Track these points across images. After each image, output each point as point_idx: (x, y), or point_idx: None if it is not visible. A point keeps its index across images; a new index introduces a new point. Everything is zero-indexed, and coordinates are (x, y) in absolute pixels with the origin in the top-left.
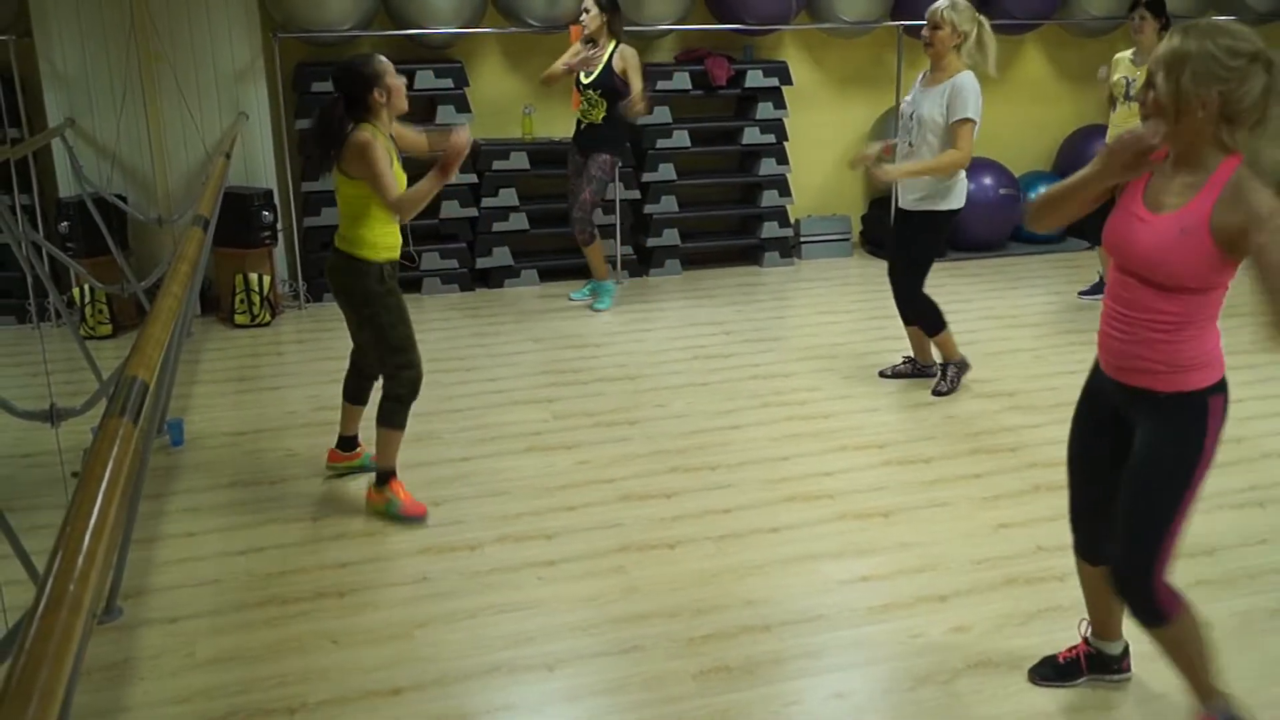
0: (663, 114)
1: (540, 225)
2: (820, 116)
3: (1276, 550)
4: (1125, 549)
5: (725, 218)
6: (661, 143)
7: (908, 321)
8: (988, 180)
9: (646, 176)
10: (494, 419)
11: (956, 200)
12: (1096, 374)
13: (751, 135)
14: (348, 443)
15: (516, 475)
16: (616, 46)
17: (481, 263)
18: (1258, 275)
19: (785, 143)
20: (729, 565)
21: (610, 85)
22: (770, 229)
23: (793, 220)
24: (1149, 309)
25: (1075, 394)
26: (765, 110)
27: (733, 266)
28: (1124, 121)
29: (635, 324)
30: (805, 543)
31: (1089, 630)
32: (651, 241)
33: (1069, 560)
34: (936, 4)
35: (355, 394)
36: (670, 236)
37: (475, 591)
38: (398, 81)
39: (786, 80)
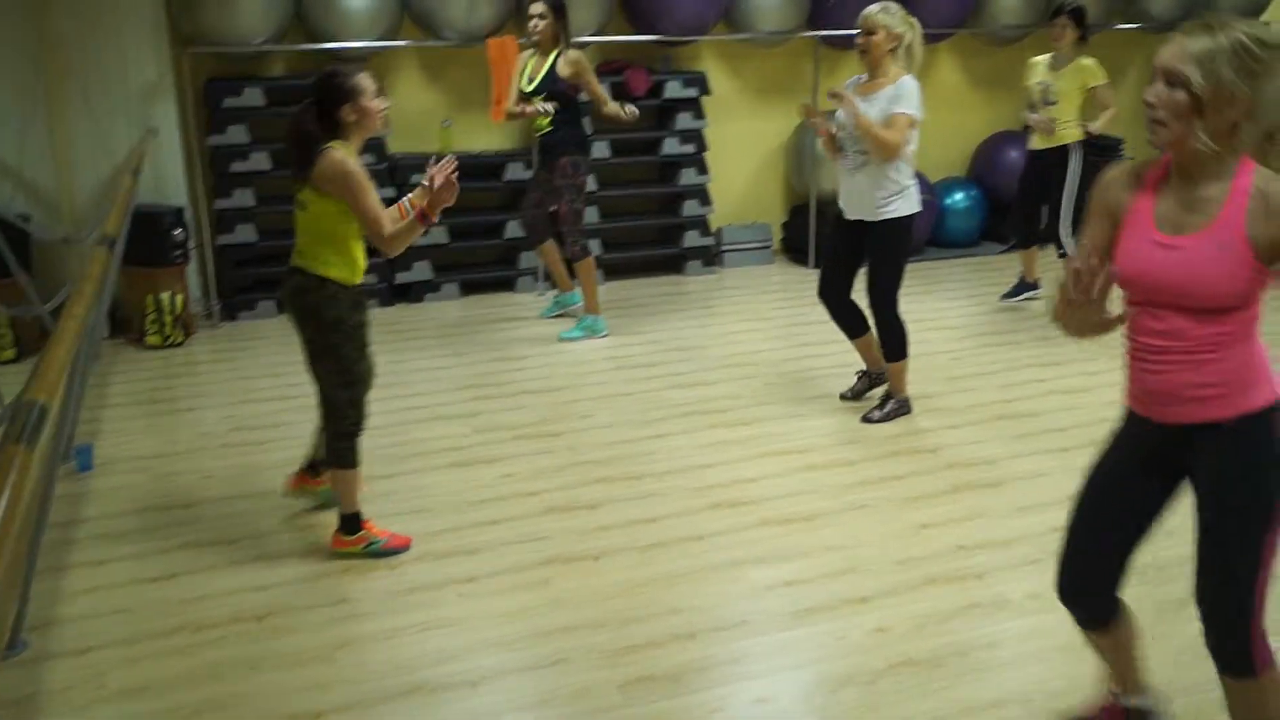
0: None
1: (461, 239)
2: (739, 126)
3: (1183, 542)
4: (1223, 599)
5: (647, 228)
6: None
7: (853, 335)
8: None
9: None
10: (415, 435)
11: (915, 204)
12: (1132, 421)
13: (671, 145)
14: (316, 468)
15: (438, 491)
16: (561, 52)
17: (401, 277)
18: None
19: (705, 152)
20: (654, 575)
21: (555, 91)
22: (692, 238)
23: (714, 229)
24: (1190, 337)
25: (993, 394)
26: (685, 120)
27: (655, 276)
28: (1039, 131)
29: (558, 335)
30: (730, 549)
31: (1116, 688)
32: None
33: (988, 558)
34: (869, 9)
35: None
36: (592, 248)
37: (397, 611)
38: (376, 104)
39: (705, 90)
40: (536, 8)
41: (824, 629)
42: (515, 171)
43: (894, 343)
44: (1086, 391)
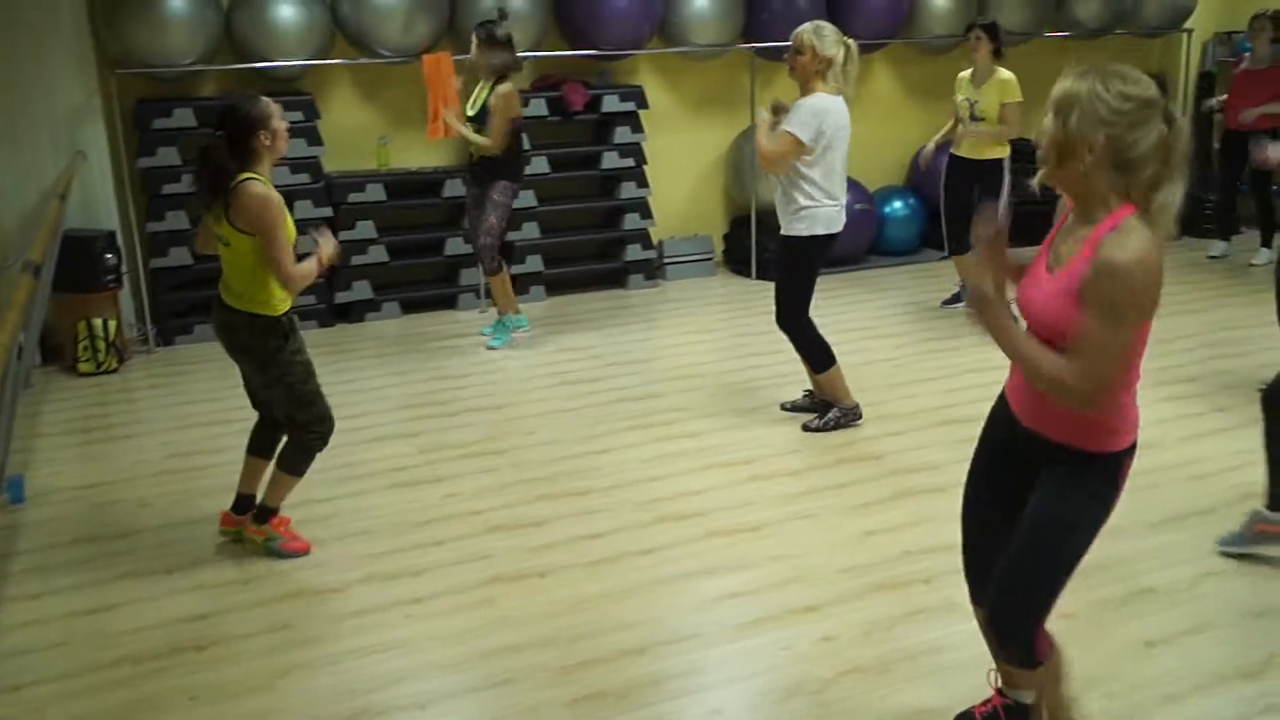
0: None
1: (400, 257)
2: (678, 139)
3: (1127, 540)
4: (1013, 594)
5: (588, 242)
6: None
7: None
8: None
9: None
10: (357, 457)
11: (820, 227)
12: (1002, 404)
13: (610, 159)
14: (247, 503)
15: (382, 513)
16: (498, 82)
17: (340, 297)
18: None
19: (644, 166)
20: (601, 590)
21: (486, 119)
22: (633, 252)
23: (655, 242)
24: None
25: (935, 400)
26: (623, 134)
27: (597, 291)
28: (967, 140)
29: (501, 352)
30: (677, 562)
31: (999, 681)
32: (515, 269)
33: (934, 563)
34: (801, 27)
35: (262, 446)
36: (533, 263)
37: (341, 635)
38: (284, 125)
39: (643, 104)
40: (477, 36)
41: (772, 639)
42: (454, 188)
43: (813, 355)
44: None
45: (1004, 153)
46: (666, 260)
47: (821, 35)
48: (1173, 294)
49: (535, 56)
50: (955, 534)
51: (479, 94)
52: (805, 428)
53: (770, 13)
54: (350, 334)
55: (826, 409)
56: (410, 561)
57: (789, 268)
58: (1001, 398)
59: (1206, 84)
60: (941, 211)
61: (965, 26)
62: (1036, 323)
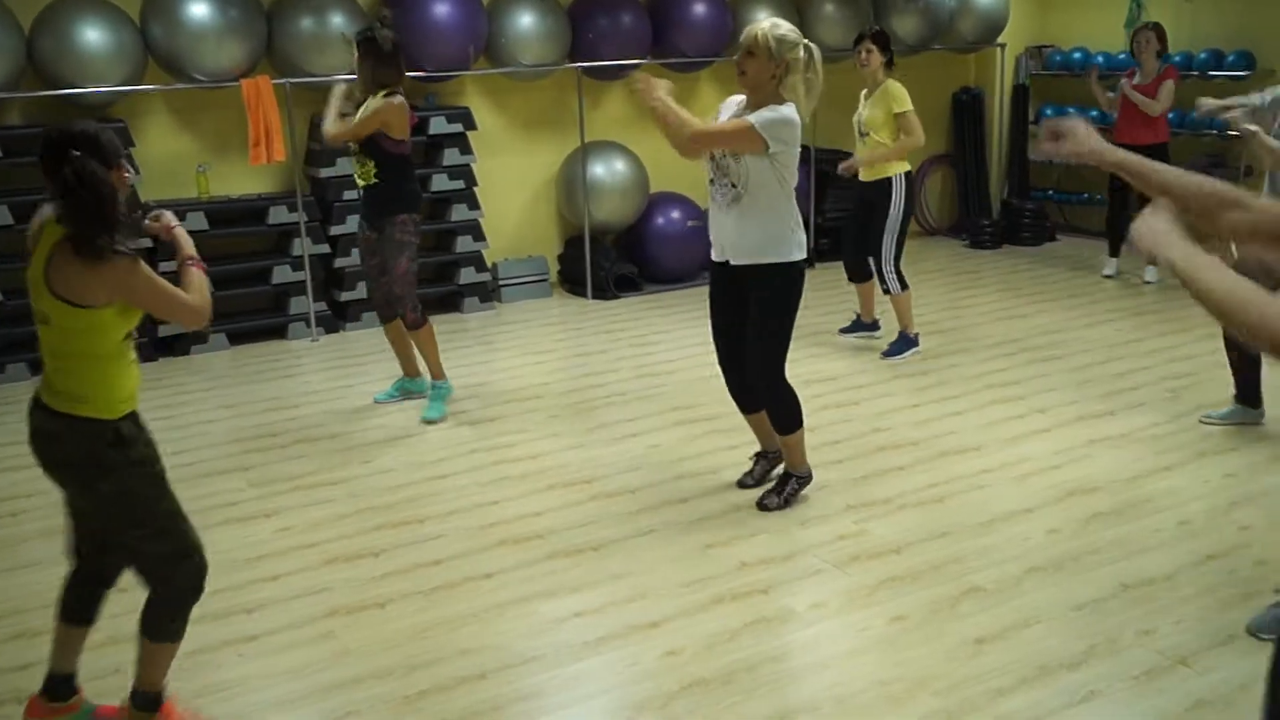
0: (346, 164)
1: (225, 287)
2: (508, 160)
3: (956, 541)
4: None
5: (421, 266)
6: (348, 194)
7: (749, 409)
8: (676, 214)
9: (335, 229)
10: (186, 494)
11: (800, 249)
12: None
13: (440, 182)
14: (63, 686)
15: (213, 549)
16: (386, 97)
17: (163, 330)
18: None
19: (475, 188)
20: (442, 617)
21: (370, 140)
22: (468, 274)
23: (490, 264)
24: None
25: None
26: (452, 156)
27: (432, 314)
28: (862, 155)
29: (335, 380)
30: (518, 585)
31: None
32: (345, 295)
33: (772, 573)
34: (753, 26)
35: (82, 609)
36: (364, 289)
37: (172, 679)
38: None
39: (471, 125)
40: (356, 50)
41: (616, 657)
42: (279, 215)
43: (793, 414)
44: (856, 405)
45: (899, 169)
46: (502, 282)
47: (780, 36)
48: (993, 302)
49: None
50: (792, 544)
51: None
52: (762, 506)
53: (596, 32)
54: (175, 368)
55: (770, 466)
56: (243, 599)
57: (785, 305)
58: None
59: (1021, 96)
60: (845, 240)
61: (855, 37)
62: None
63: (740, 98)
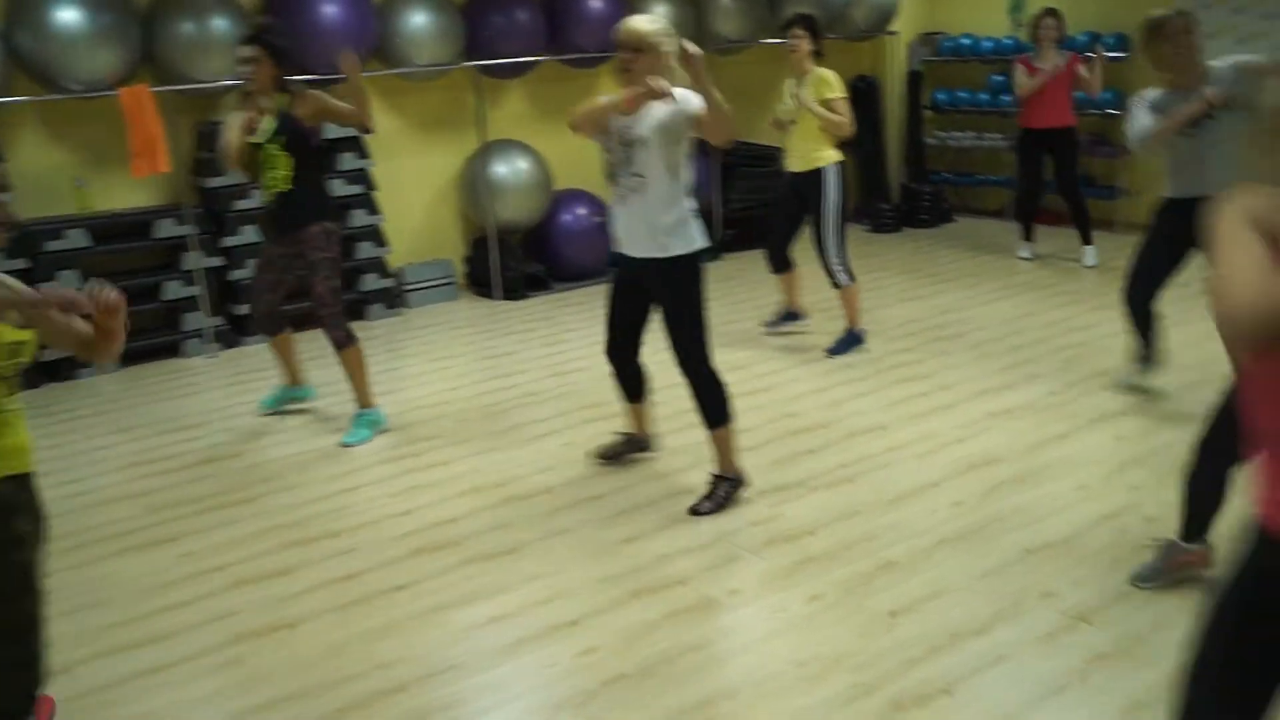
0: (237, 173)
1: None
2: (407, 162)
3: (867, 519)
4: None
5: None
6: (241, 203)
7: (633, 398)
8: (581, 210)
9: (228, 240)
10: (78, 524)
11: (703, 236)
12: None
13: (337, 187)
14: None
15: (113, 581)
16: (294, 94)
17: (47, 354)
18: None
19: (374, 192)
20: (357, 632)
21: (297, 133)
22: (371, 281)
23: (394, 270)
24: None
25: (684, 403)
26: (348, 160)
27: None
28: (792, 146)
29: (236, 397)
30: (434, 594)
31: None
32: (241, 309)
33: (689, 562)
34: (629, 23)
35: None
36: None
37: (72, 717)
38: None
39: (366, 129)
40: (247, 50)
41: (534, 659)
42: (166, 228)
43: (721, 405)
44: (767, 391)
45: (831, 159)
46: (407, 287)
47: (657, 27)
48: (896, 284)
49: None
50: (708, 533)
51: (268, 119)
52: (695, 511)
53: (491, 30)
54: (60, 394)
55: (635, 445)
56: (146, 630)
57: (694, 292)
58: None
59: (915, 82)
60: (771, 231)
61: (784, 24)
62: None
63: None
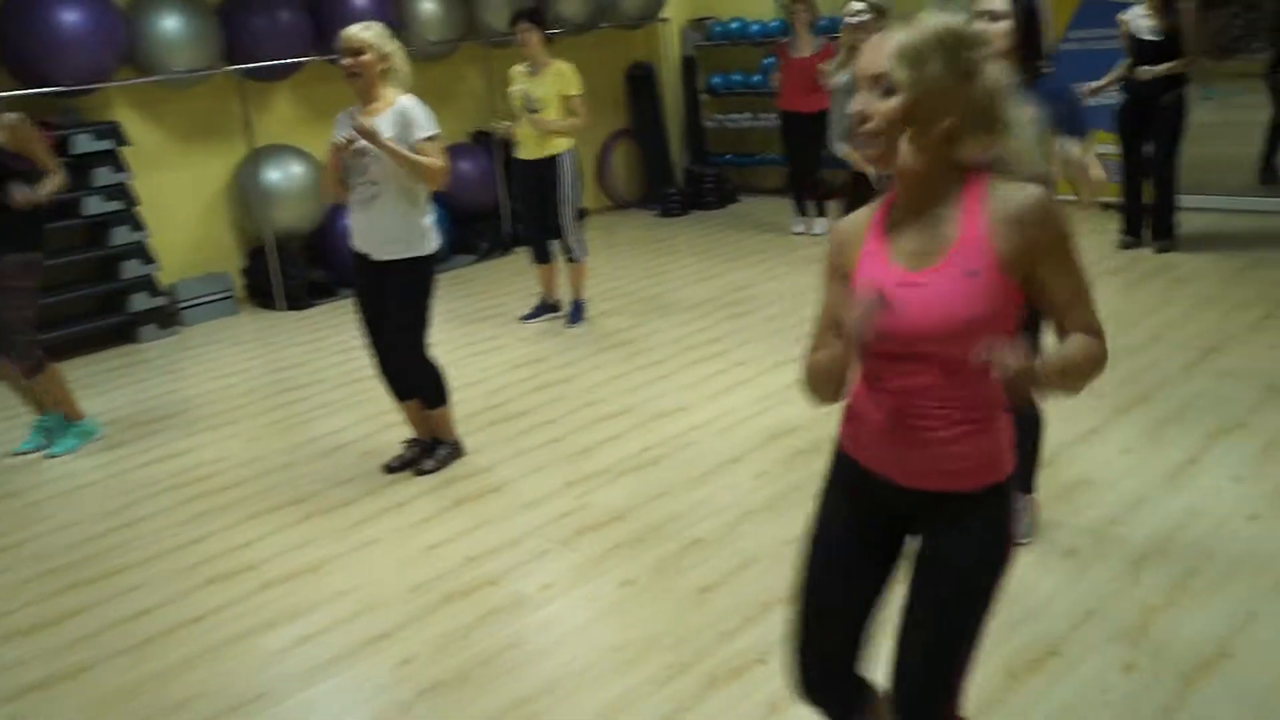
0: None
1: None
2: (173, 174)
3: (674, 499)
4: (925, 679)
5: (85, 299)
6: None
7: (403, 397)
8: None
9: None
10: None
11: (437, 239)
12: (861, 482)
13: (94, 204)
14: None
15: None
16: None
17: None
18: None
19: (137, 207)
20: (153, 672)
21: None
22: (141, 301)
23: (165, 287)
24: (945, 397)
25: (482, 402)
26: (105, 176)
27: (105, 350)
28: (526, 135)
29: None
30: (234, 622)
31: None
32: None
33: (499, 562)
34: (349, 29)
35: None
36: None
37: None
38: None
39: (123, 141)
40: None
41: (348, 676)
42: None
43: (438, 389)
44: (568, 382)
45: (566, 146)
46: (182, 305)
47: (375, 31)
48: (687, 266)
49: None
50: (516, 530)
51: None
52: (419, 471)
53: (251, 32)
54: None
55: (425, 450)
56: None
57: (420, 293)
58: (847, 463)
59: (690, 67)
60: (523, 221)
61: (511, 18)
62: (939, 330)
63: (347, 111)
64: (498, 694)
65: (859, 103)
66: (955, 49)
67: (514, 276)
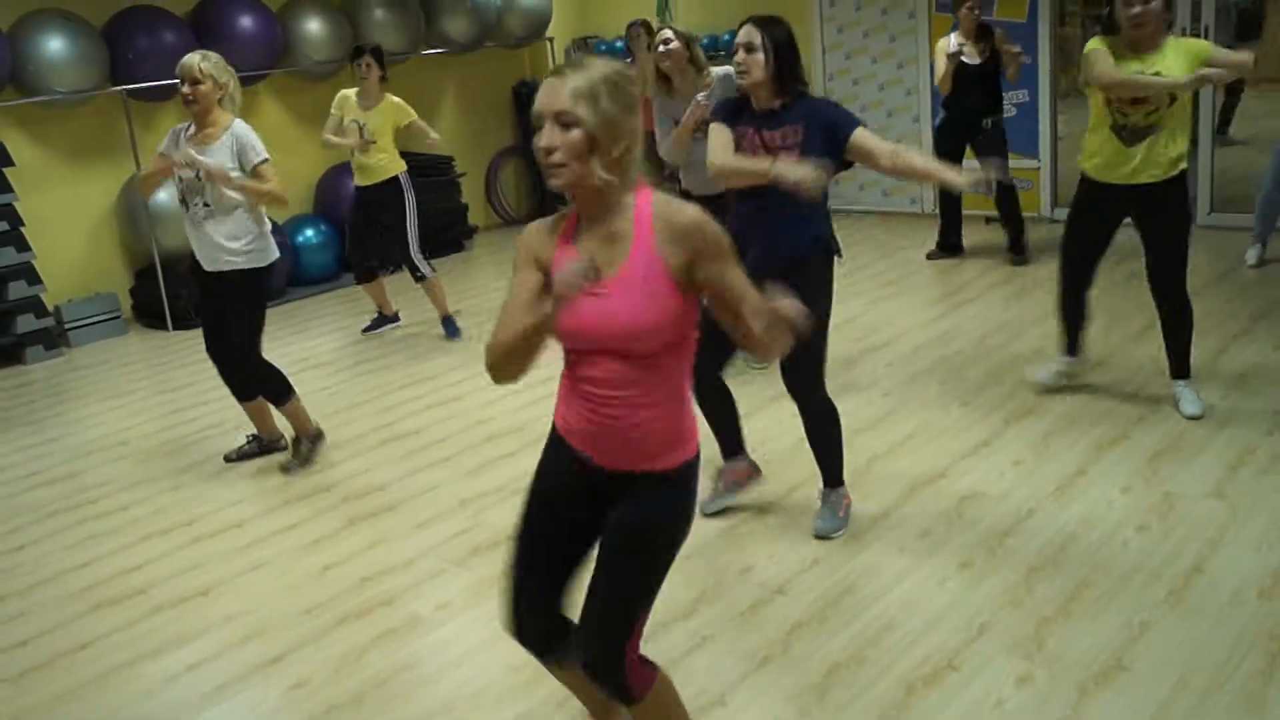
0: None
1: None
2: (58, 194)
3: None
4: (601, 633)
5: None
6: None
7: (245, 398)
8: None
9: None
10: None
11: (273, 253)
12: (570, 455)
13: None
14: None
15: None
16: None
17: None
18: (725, 301)
19: (22, 228)
20: (36, 703)
21: None
22: (27, 322)
23: (51, 308)
24: (631, 386)
25: (373, 420)
26: None
27: None
28: (362, 163)
29: None
30: (121, 649)
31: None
32: None
33: (394, 582)
34: (187, 59)
35: None
36: None
37: None
38: None
39: (7, 161)
40: None
41: (240, 701)
42: None
43: (276, 388)
44: (459, 400)
45: (399, 169)
46: (68, 326)
47: (212, 60)
48: None
49: None
50: (411, 550)
51: None
52: (285, 469)
53: (136, 52)
54: None
55: (275, 445)
56: None
57: (250, 303)
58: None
59: None
60: (351, 242)
61: (353, 52)
62: (622, 335)
63: (177, 129)
64: (394, 716)
65: (545, 138)
66: (621, 86)
67: (413, 289)
